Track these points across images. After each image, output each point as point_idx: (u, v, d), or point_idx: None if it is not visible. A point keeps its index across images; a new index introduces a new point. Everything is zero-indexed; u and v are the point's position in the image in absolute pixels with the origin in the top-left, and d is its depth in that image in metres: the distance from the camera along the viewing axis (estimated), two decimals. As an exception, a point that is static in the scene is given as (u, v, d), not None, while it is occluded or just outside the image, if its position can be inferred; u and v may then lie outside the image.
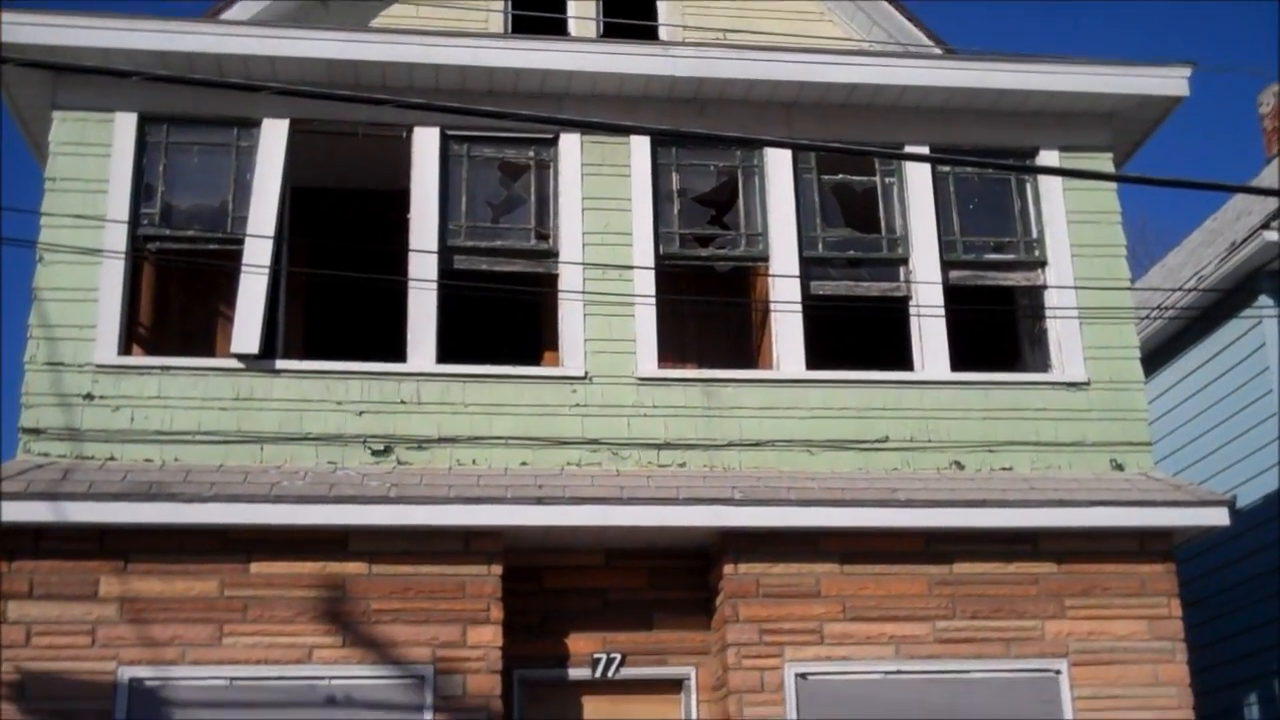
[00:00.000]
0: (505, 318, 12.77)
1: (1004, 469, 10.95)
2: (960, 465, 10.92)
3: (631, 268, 10.96)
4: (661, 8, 13.02)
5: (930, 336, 11.23)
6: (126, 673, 9.50)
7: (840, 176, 11.63)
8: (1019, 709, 10.25)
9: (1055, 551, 10.58)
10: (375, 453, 10.40)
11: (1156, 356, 15.46)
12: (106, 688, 9.44)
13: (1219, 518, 10.66)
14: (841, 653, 10.20)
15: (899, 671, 10.22)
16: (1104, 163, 11.77)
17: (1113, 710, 10.30)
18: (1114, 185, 11.78)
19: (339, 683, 9.67)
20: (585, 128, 11.13)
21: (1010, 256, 11.66)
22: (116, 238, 10.57)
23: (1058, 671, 10.36)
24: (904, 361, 11.41)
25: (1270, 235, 13.48)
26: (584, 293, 10.88)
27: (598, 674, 10.45)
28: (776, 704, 10.02)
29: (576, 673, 10.46)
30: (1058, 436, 11.08)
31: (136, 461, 10.15)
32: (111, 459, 10.14)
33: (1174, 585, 10.66)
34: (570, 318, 10.94)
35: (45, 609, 9.54)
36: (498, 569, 10.00)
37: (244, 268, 10.51)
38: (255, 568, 9.78)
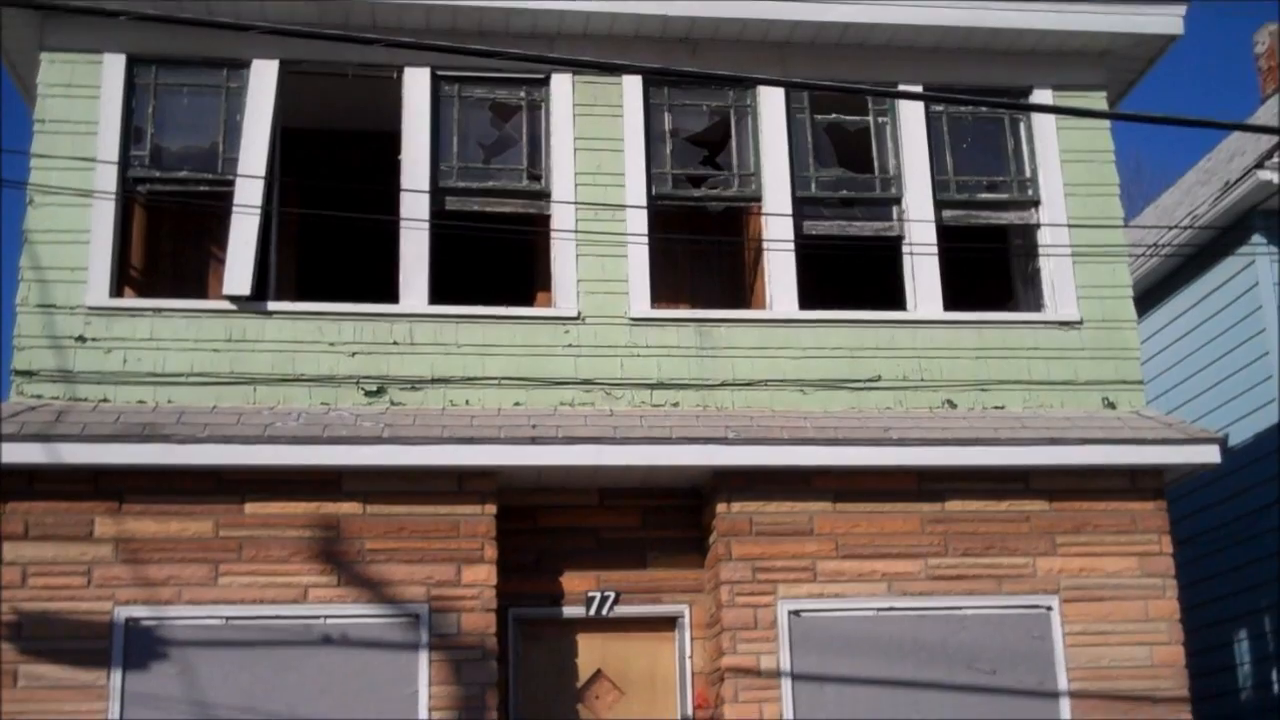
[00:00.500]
0: (498, 259, 12.76)
1: (996, 408, 10.98)
2: (953, 404, 10.95)
3: (624, 207, 10.94)
4: (653, -54, 12.91)
5: (923, 276, 11.24)
6: (123, 612, 9.55)
7: (833, 116, 11.59)
8: (1010, 645, 10.33)
9: (1047, 489, 10.64)
10: (368, 394, 10.42)
11: (1149, 296, 15.48)
12: (103, 627, 9.50)
13: (1210, 455, 10.71)
14: (834, 590, 10.27)
15: (891, 608, 10.30)
16: (1098, 101, 11.74)
17: (1103, 645, 10.39)
18: (1107, 124, 11.76)
19: (335, 621, 9.73)
20: (577, 67, 11.08)
21: (1003, 196, 11.65)
22: (107, 180, 10.53)
23: (1049, 608, 10.44)
24: (897, 301, 11.43)
25: (1264, 174, 13.46)
26: (576, 232, 10.87)
27: (592, 612, 10.52)
28: (770, 641, 10.10)
29: (571, 611, 10.53)
30: (1050, 375, 11.11)
31: (130, 403, 10.16)
32: (105, 401, 10.15)
33: (1165, 522, 10.73)
34: (563, 258, 10.93)
35: (41, 550, 9.58)
36: (491, 508, 10.04)
37: (235, 209, 10.49)
38: (250, 508, 9.82)
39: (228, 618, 9.65)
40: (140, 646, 9.52)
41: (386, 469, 9.91)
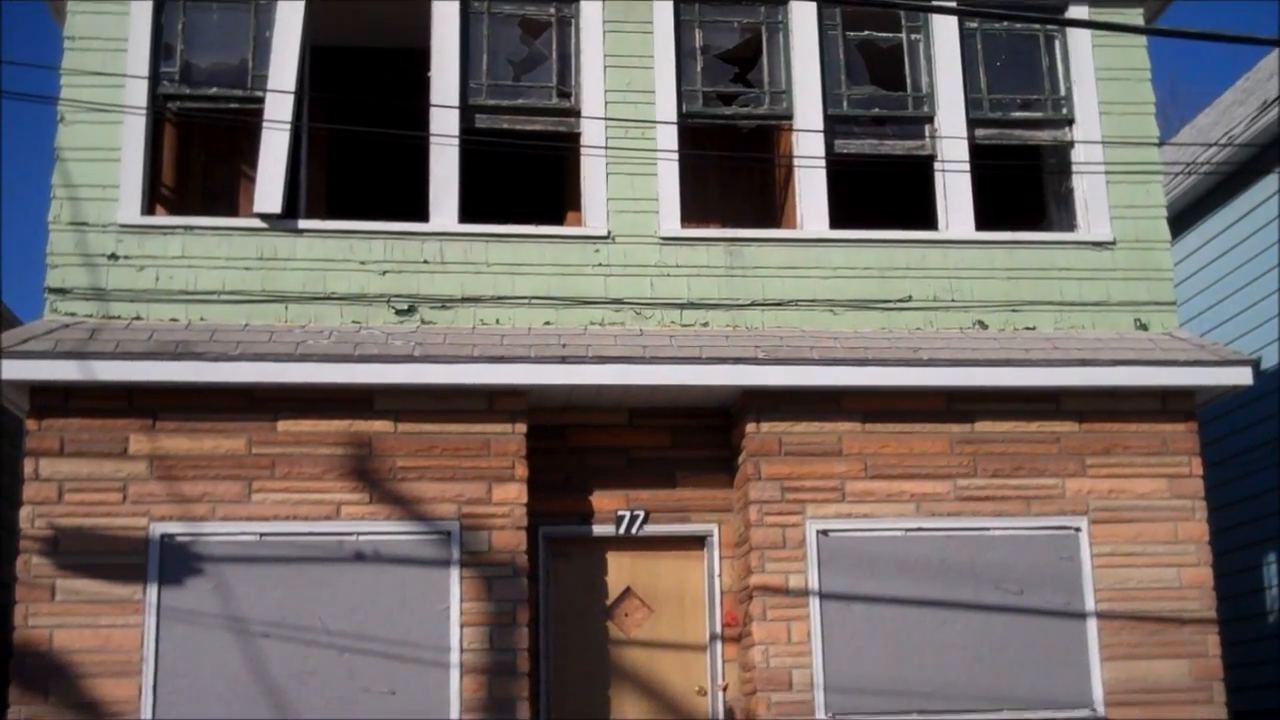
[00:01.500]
0: (528, 178, 12.71)
1: (1027, 328, 10.94)
2: (983, 325, 10.90)
3: (654, 124, 10.87)
4: None
5: (955, 195, 11.15)
6: (158, 528, 9.66)
7: (866, 33, 11.46)
8: (1038, 566, 10.36)
9: (1077, 410, 10.62)
10: (399, 312, 10.43)
11: (1184, 217, 15.31)
12: (138, 543, 9.61)
13: (1242, 377, 10.65)
14: (863, 510, 10.30)
15: (919, 529, 10.33)
16: (1134, 17, 11.56)
17: (1131, 567, 10.41)
18: (1143, 41, 11.58)
19: (367, 538, 9.82)
20: (607, -17, 10.97)
21: (1037, 114, 11.52)
22: (137, 97, 10.51)
23: (1077, 529, 10.45)
24: (928, 221, 11.36)
25: (1303, 93, 13.26)
26: (606, 149, 10.80)
27: (621, 530, 10.59)
28: (798, 560, 10.15)
29: (601, 529, 10.60)
30: (1082, 296, 11.05)
31: (162, 321, 10.20)
32: (137, 319, 10.20)
33: (1195, 444, 10.70)
34: (593, 177, 10.88)
35: (76, 466, 9.68)
36: (522, 427, 10.09)
37: (265, 125, 10.46)
38: (282, 426, 9.89)
39: (261, 534, 9.74)
40: (175, 562, 9.63)
41: (417, 387, 9.95)
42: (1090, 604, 10.35)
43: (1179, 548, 10.49)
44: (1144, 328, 11.05)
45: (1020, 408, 10.56)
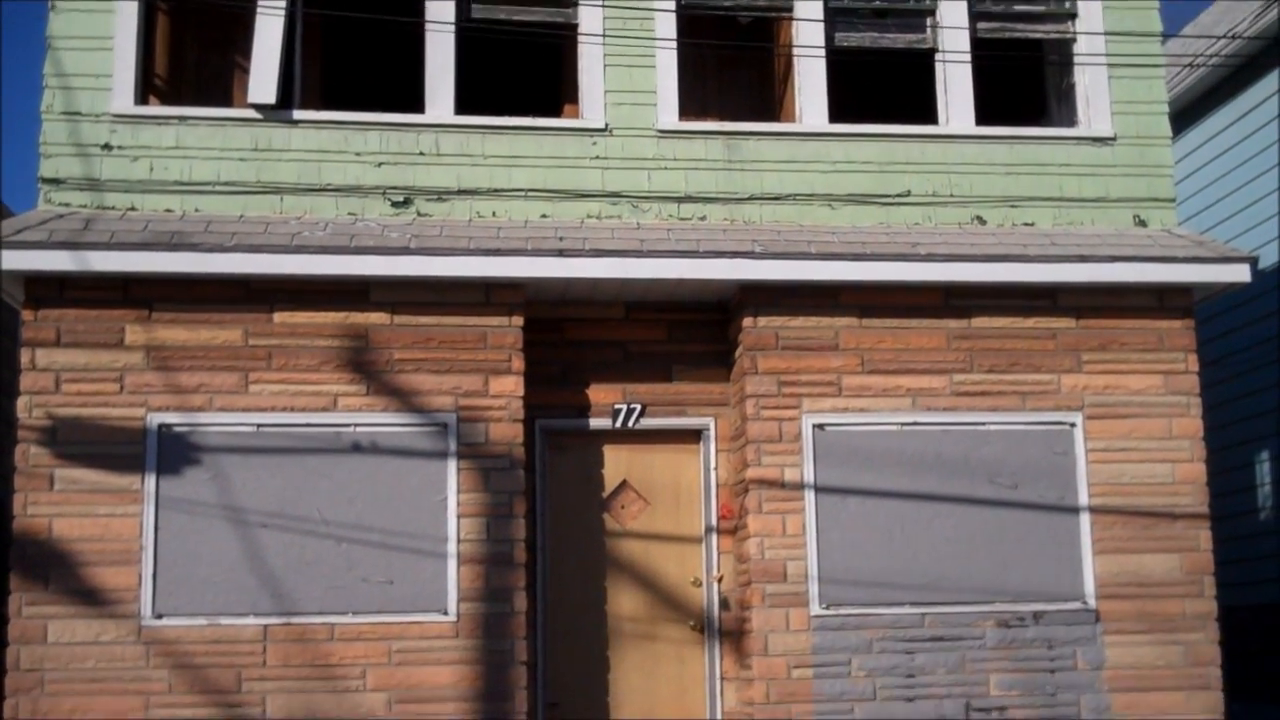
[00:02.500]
0: (525, 70, 12.59)
1: (1026, 224, 10.90)
2: (982, 220, 10.87)
3: (653, 12, 10.75)
4: None
5: (955, 90, 11.06)
6: (155, 419, 9.68)
7: (868, -77, 11.30)
8: (1033, 460, 10.41)
9: (1074, 307, 10.61)
10: (395, 204, 10.38)
11: (1185, 114, 15.20)
12: (136, 433, 9.64)
13: (1240, 274, 10.64)
14: (859, 404, 10.33)
15: (915, 423, 10.36)
16: (1140, -92, 11.40)
17: (1125, 462, 10.46)
18: (1149, -68, 11.42)
19: (364, 430, 9.85)
20: None
21: (1040, 8, 11.38)
22: (128, -16, 10.38)
23: (1072, 424, 10.49)
24: (928, 115, 11.26)
25: (1309, -12, 13.11)
26: (604, 37, 10.66)
27: (618, 424, 10.62)
28: (794, 454, 10.19)
29: (597, 423, 10.63)
30: (1081, 192, 11.00)
31: (157, 212, 10.16)
32: (132, 209, 10.15)
33: (1192, 341, 10.71)
34: (590, 69, 10.77)
35: (73, 356, 9.68)
36: (518, 320, 10.08)
37: (259, 10, 10.33)
38: (278, 317, 9.88)
39: (258, 425, 9.77)
40: (173, 452, 9.66)
41: (413, 279, 9.93)
42: (1084, 498, 10.42)
43: (1173, 443, 10.54)
44: (1143, 224, 11.02)
45: (1017, 303, 10.55)
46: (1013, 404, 10.45)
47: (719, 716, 10.47)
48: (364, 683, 9.57)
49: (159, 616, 9.50)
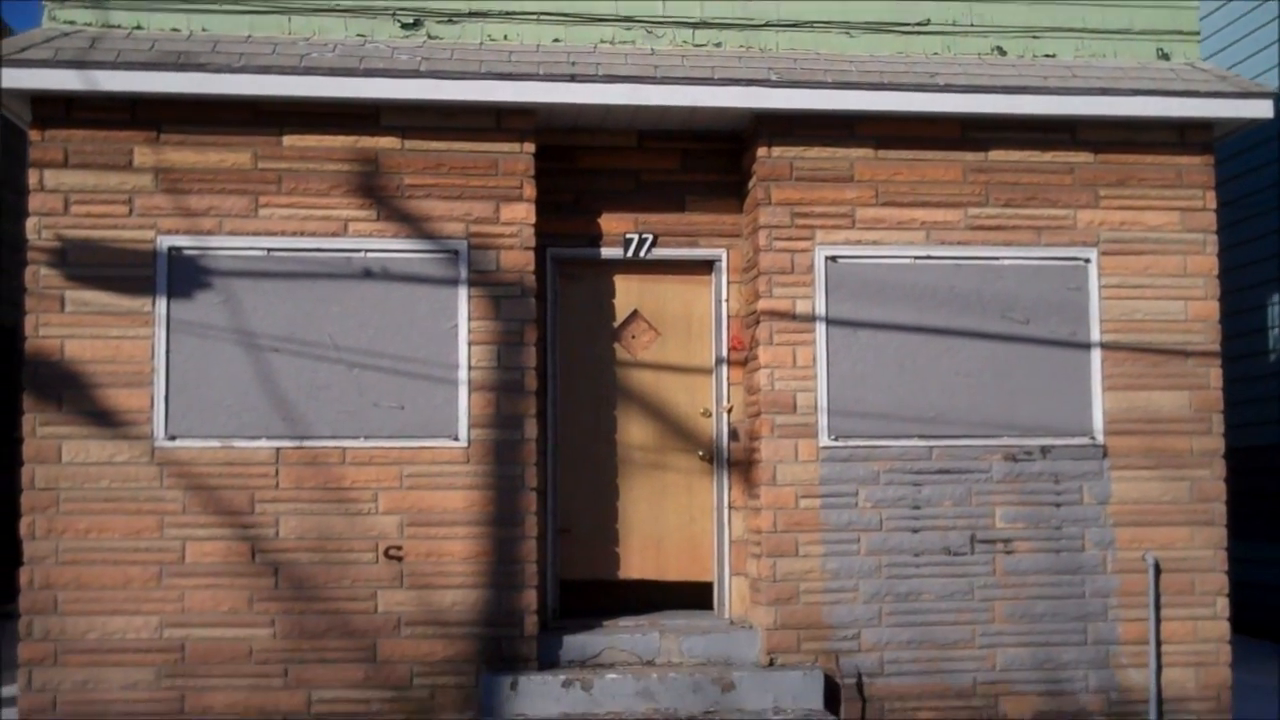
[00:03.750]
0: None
1: (1047, 56, 10.71)
2: (1002, 51, 10.68)
3: None
4: None
5: (979, -85, 10.80)
6: (165, 241, 9.64)
7: None
8: (1045, 296, 10.37)
9: (1093, 141, 10.47)
10: (405, 26, 10.20)
11: (1213, -52, 14.89)
12: (146, 255, 9.60)
13: (1263, 110, 10.46)
14: (872, 237, 10.25)
15: (928, 257, 10.29)
16: None
17: (1139, 299, 10.42)
18: None
19: (375, 255, 9.80)
20: None
21: None
22: None
23: (1087, 260, 10.42)
24: (950, -58, 11.00)
25: None
26: None
27: (629, 254, 10.56)
28: (806, 286, 10.15)
29: (609, 252, 10.58)
30: (1104, 23, 10.78)
31: (163, 31, 9.99)
32: (138, 28, 9.99)
33: (1211, 178, 10.59)
34: (605, -111, 10.51)
35: (82, 178, 9.60)
36: (530, 147, 9.96)
37: None
38: (288, 140, 9.77)
39: (269, 249, 9.72)
40: (184, 275, 9.64)
41: (424, 103, 9.79)
42: (1095, 335, 10.39)
43: (1187, 281, 10.48)
44: (1165, 58, 10.82)
45: (1035, 137, 10.41)
46: (1027, 239, 10.37)
47: (727, 544, 10.60)
48: (376, 506, 9.66)
49: (172, 438, 9.56)
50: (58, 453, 9.47)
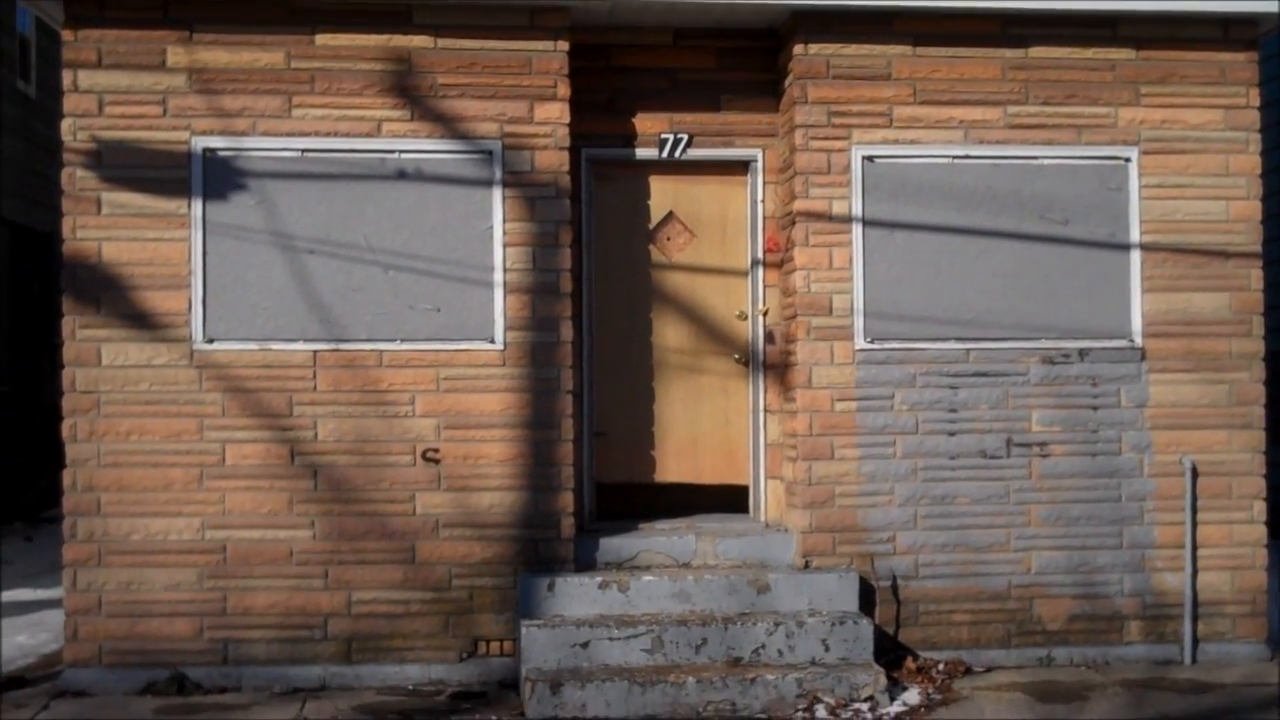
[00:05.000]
0: None
1: (1089, -49, 10.52)
2: (1044, -54, 10.49)
3: None
4: None
5: None
6: (200, 142, 9.60)
7: None
8: (1085, 196, 10.25)
9: (1134, 37, 10.29)
10: (438, -77, 10.08)
11: None
12: (181, 157, 9.57)
13: (1310, 5, 10.28)
14: (910, 136, 10.14)
15: (967, 156, 10.18)
16: None
17: (1180, 199, 10.30)
18: None
19: (409, 156, 9.75)
20: None
21: None
22: None
23: (1127, 159, 10.29)
24: None
25: None
26: None
27: (664, 154, 10.48)
28: (842, 185, 10.07)
29: (644, 152, 10.49)
30: (1149, -84, 10.58)
31: (194, -70, 9.90)
32: (168, -73, 9.90)
33: (1255, 75, 10.42)
34: None
35: (115, 78, 9.55)
36: (564, 45, 9.85)
37: None
38: (320, 39, 9.68)
39: (303, 150, 9.68)
40: (218, 177, 9.61)
41: (456, 1, 9.68)
42: (1135, 235, 10.29)
43: (1229, 180, 10.35)
44: (1210, -49, 10.62)
45: (1076, 33, 10.24)
46: (1068, 137, 10.24)
47: (762, 447, 10.60)
48: (413, 409, 9.69)
49: (210, 341, 9.59)
50: (97, 356, 9.51)
